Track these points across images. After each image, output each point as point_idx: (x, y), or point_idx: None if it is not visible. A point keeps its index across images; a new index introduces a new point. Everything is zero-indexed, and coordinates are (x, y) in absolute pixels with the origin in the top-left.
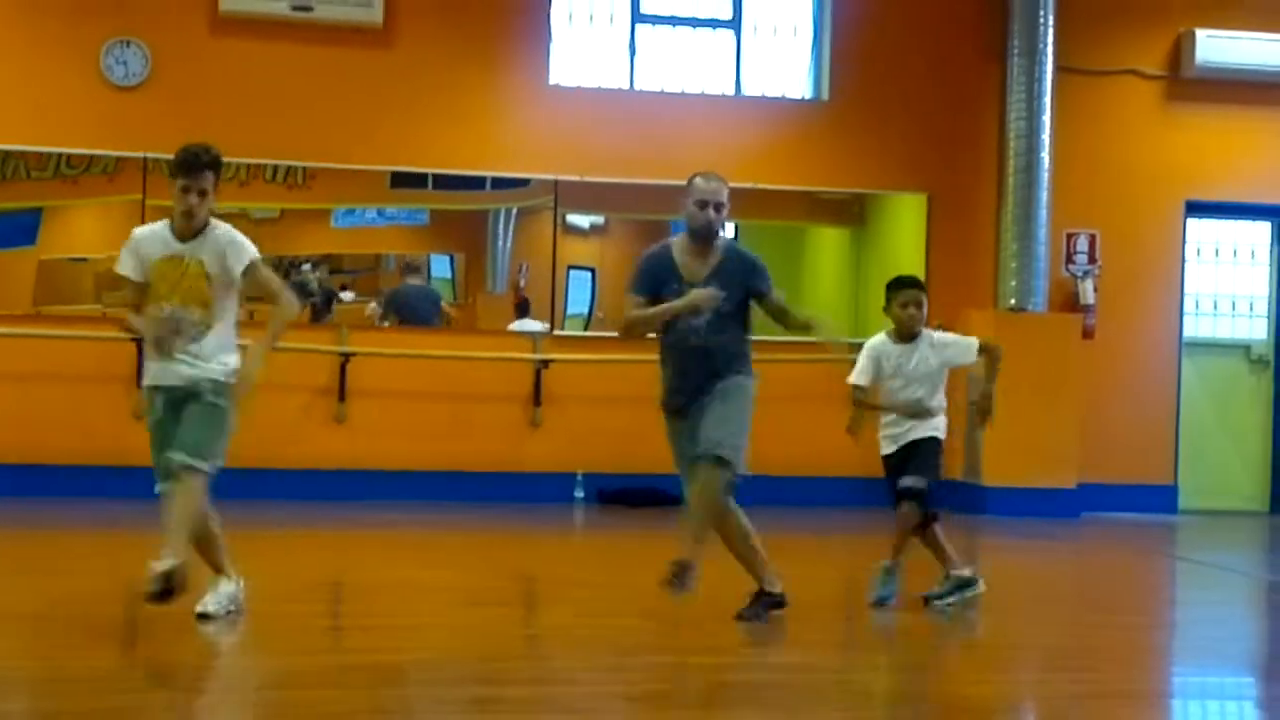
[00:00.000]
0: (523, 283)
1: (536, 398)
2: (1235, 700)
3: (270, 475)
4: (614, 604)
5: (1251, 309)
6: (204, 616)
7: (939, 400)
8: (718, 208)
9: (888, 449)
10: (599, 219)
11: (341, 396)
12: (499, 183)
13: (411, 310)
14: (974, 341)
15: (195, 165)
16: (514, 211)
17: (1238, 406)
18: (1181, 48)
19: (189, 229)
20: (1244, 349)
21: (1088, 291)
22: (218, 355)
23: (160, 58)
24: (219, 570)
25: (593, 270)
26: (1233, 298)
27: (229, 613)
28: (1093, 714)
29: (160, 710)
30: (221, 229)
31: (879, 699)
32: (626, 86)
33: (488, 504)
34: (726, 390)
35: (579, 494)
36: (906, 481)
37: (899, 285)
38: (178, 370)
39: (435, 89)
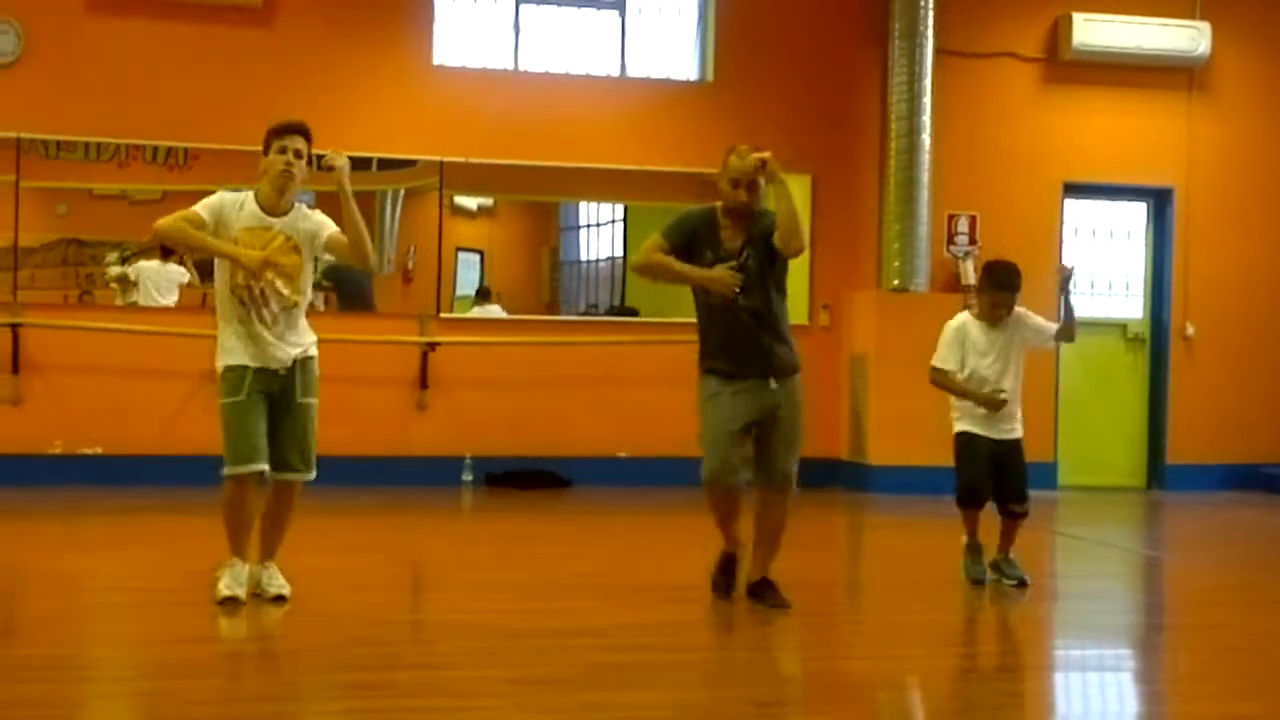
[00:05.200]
0: (410, 264)
1: (423, 380)
2: (1114, 672)
3: (145, 461)
4: (500, 587)
5: (1128, 288)
6: (280, 599)
7: (1018, 387)
8: (750, 186)
9: (970, 427)
10: (487, 201)
11: None
12: (384, 164)
13: (356, 292)
14: (1052, 328)
15: (289, 127)
16: (400, 193)
17: (1115, 384)
18: (1059, 31)
19: (280, 203)
20: (1121, 328)
21: (968, 272)
22: (307, 337)
23: (33, 36)
24: (271, 555)
25: (481, 252)
26: (1109, 277)
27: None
28: (974, 687)
29: (34, 705)
30: (306, 209)
31: (762, 677)
32: (511, 67)
33: (374, 488)
34: (792, 402)
35: (467, 477)
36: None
37: (995, 287)
38: (277, 354)
39: (317, 69)
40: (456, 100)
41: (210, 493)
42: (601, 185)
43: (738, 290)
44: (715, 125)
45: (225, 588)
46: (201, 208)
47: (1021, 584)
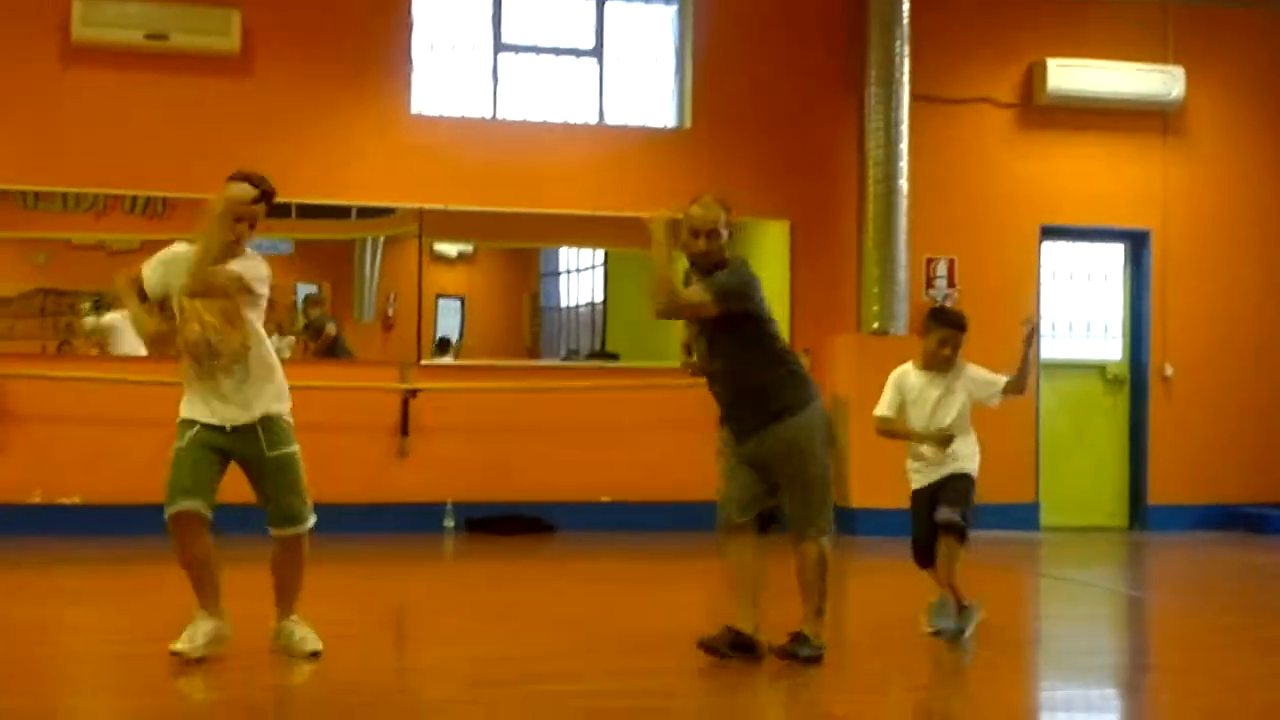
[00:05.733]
0: (391, 311)
1: (404, 427)
2: (1099, 713)
3: (124, 511)
4: (483, 634)
5: (1106, 330)
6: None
7: (968, 435)
8: (709, 235)
9: (918, 483)
10: (467, 247)
11: None
12: (364, 212)
13: (342, 343)
14: (1001, 380)
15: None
16: (380, 241)
17: (1095, 425)
18: (1033, 76)
19: (225, 259)
20: (1100, 369)
21: None
22: (270, 395)
23: (10, 88)
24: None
25: (462, 299)
26: (1088, 319)
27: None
28: None
29: None
30: (250, 253)
31: None
32: (489, 115)
33: (355, 535)
34: (787, 447)
35: (449, 523)
36: (942, 515)
37: (940, 323)
38: (227, 411)
39: (296, 118)
40: (435, 148)
41: None
42: (581, 231)
43: (691, 369)
44: (693, 172)
45: (178, 642)
46: (148, 265)
47: (956, 634)
